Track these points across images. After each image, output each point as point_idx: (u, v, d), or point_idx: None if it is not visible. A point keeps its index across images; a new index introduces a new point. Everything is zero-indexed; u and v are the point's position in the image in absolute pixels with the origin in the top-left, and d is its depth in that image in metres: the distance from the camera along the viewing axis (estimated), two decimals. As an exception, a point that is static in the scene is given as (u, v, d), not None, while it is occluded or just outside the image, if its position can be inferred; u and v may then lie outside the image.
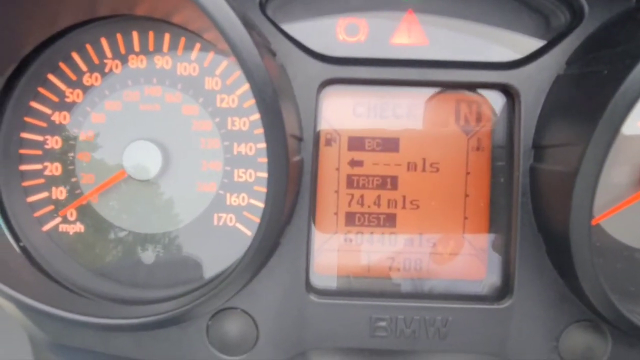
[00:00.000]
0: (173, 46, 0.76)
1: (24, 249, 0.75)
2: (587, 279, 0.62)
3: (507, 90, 0.75)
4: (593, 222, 0.75)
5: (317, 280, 0.78)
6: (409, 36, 0.75)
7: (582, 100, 0.61)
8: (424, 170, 0.79)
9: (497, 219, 0.77)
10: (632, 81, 0.52)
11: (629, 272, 0.75)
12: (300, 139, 0.71)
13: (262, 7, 0.72)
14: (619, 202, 0.75)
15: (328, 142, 0.79)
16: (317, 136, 0.75)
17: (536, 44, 0.73)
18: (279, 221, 0.62)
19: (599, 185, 0.70)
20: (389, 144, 0.79)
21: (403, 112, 0.79)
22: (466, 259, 0.79)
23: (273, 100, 0.54)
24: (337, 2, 0.74)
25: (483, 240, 0.79)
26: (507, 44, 0.73)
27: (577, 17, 0.71)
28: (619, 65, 0.54)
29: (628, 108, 0.53)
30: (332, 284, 0.78)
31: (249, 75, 0.53)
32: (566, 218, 0.59)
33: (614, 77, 0.54)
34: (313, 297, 0.74)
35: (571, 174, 0.58)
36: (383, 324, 0.73)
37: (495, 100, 0.78)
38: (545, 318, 0.72)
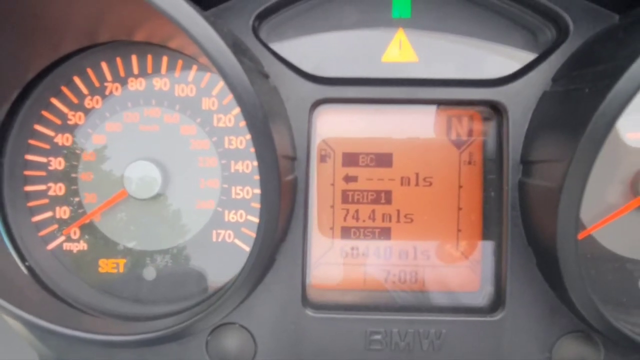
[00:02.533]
0: (171, 68, 0.79)
1: (29, 268, 0.78)
2: (576, 292, 0.63)
3: (495, 107, 0.76)
4: (584, 234, 0.76)
5: (313, 295, 0.79)
6: (399, 54, 0.77)
7: (566, 118, 0.62)
8: (417, 184, 0.80)
9: (489, 231, 0.78)
10: (612, 100, 0.53)
11: (621, 283, 0.76)
12: (293, 159, 0.73)
13: (255, 31, 0.74)
14: (610, 213, 0.76)
15: (323, 159, 0.80)
16: (311, 154, 0.77)
17: (523, 60, 0.74)
18: (274, 238, 0.64)
19: (589, 196, 0.72)
20: (383, 159, 0.80)
21: (396, 127, 0.81)
22: (460, 271, 0.81)
23: (264, 124, 0.56)
24: (328, 22, 0.76)
25: (477, 252, 0.80)
26: (494, 60, 0.75)
27: (562, 33, 0.73)
28: (600, 84, 0.56)
29: (608, 126, 0.54)
30: (328, 297, 0.80)
31: (240, 101, 0.55)
32: (553, 232, 0.60)
33: (594, 96, 0.55)
34: (309, 312, 0.75)
35: (556, 189, 0.59)
36: (378, 337, 0.75)
37: (486, 115, 0.79)
38: (538, 329, 0.73)
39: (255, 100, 0.55)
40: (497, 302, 0.76)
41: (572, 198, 0.58)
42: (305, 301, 0.77)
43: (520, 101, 0.73)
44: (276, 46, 0.75)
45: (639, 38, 0.56)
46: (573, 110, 0.60)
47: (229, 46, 0.54)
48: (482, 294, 0.79)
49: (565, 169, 0.57)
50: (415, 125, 0.80)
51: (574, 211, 0.59)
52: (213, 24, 0.55)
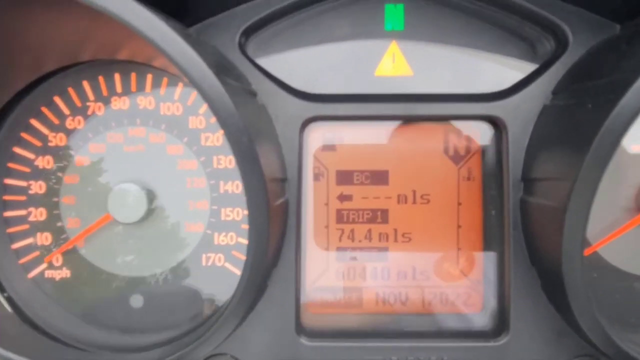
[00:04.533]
0: (156, 86, 0.76)
1: (9, 299, 0.74)
2: (583, 315, 0.60)
3: (493, 122, 0.73)
4: (590, 250, 0.73)
5: (307, 321, 0.76)
6: (393, 68, 0.74)
7: (568, 134, 0.59)
8: (414, 202, 0.78)
9: (491, 250, 0.75)
10: (617, 116, 0.50)
11: (629, 302, 0.73)
12: (283, 180, 0.70)
13: (242, 47, 0.72)
14: (615, 228, 0.73)
15: (316, 177, 0.77)
16: (302, 174, 0.74)
17: (522, 73, 0.72)
18: (264, 263, 0.61)
19: (594, 212, 0.68)
20: (378, 176, 0.78)
21: (391, 143, 0.78)
22: (461, 292, 0.77)
23: (249, 148, 0.53)
24: (318, 36, 0.74)
25: (478, 272, 0.77)
26: (492, 73, 0.73)
27: (561, 44, 0.70)
28: (603, 98, 0.53)
29: (615, 143, 0.51)
30: (323, 324, 0.77)
31: (224, 125, 0.52)
32: (558, 254, 0.58)
33: (598, 112, 0.52)
34: (304, 340, 0.72)
35: (560, 209, 0.56)
36: (376, 365, 0.71)
37: (484, 129, 0.76)
38: (544, 354, 0.70)
39: (239, 123, 0.52)
40: (501, 325, 0.73)
41: (578, 218, 0.55)
42: (299, 329, 0.73)
43: (520, 116, 0.70)
44: (264, 62, 0.72)
45: (644, 50, 0.53)
46: (575, 126, 0.58)
47: (210, 67, 0.51)
48: (485, 316, 0.76)
49: (570, 188, 0.54)
50: (411, 141, 0.78)
51: (580, 232, 0.56)
52: (194, 43, 0.52)
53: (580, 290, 0.59)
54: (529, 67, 0.72)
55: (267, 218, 0.55)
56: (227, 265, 0.76)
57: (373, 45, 0.75)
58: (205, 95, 0.51)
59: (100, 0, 0.49)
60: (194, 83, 0.51)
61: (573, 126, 0.58)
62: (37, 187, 0.77)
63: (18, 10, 0.56)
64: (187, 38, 0.51)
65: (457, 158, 0.77)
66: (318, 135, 0.77)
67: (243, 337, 0.71)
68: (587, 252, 0.73)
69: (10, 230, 0.77)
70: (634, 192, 0.74)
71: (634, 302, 0.73)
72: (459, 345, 0.71)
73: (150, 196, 0.75)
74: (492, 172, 0.75)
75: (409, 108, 0.72)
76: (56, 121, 0.77)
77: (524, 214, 0.69)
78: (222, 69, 0.56)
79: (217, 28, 0.71)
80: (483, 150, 0.76)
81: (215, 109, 0.51)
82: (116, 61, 0.75)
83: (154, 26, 0.49)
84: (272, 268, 0.70)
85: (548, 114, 0.67)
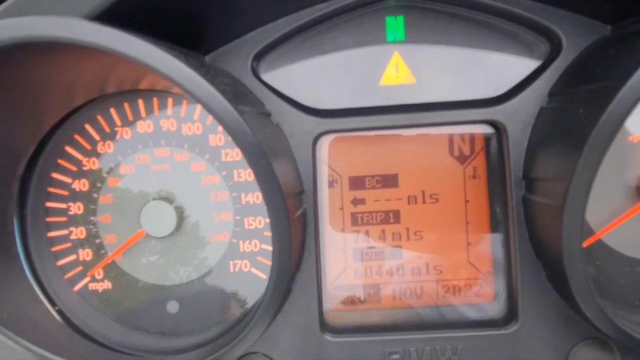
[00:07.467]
0: (176, 109, 0.82)
1: (59, 312, 0.81)
2: (587, 304, 0.64)
3: (494, 124, 0.77)
4: (593, 239, 0.77)
5: (331, 319, 0.82)
6: (396, 77, 0.79)
7: (563, 137, 0.63)
8: (424, 202, 0.82)
9: (498, 244, 0.80)
10: (606, 122, 0.54)
11: (633, 286, 0.77)
12: (301, 192, 0.75)
13: (254, 71, 0.76)
14: (617, 216, 0.76)
15: (331, 184, 0.83)
16: (317, 184, 0.79)
17: (519, 76, 0.75)
18: (288, 270, 0.67)
19: (597, 200, 0.72)
20: (388, 180, 0.82)
21: (399, 148, 0.82)
22: (473, 283, 0.82)
23: (269, 170, 0.58)
24: (324, 53, 0.78)
25: (488, 265, 0.82)
26: (490, 77, 0.76)
27: (556, 47, 0.73)
28: (593, 104, 0.57)
29: (605, 147, 0.55)
30: (345, 320, 0.82)
31: (244, 151, 0.57)
32: (559, 249, 0.62)
33: (589, 117, 0.56)
34: (328, 337, 0.78)
35: (558, 208, 0.60)
36: (396, 357, 0.77)
37: (486, 128, 0.80)
38: (553, 339, 0.75)
39: (258, 148, 0.57)
40: (511, 314, 0.78)
41: (575, 216, 0.59)
42: (324, 326, 0.79)
43: (519, 118, 0.74)
44: (275, 83, 0.77)
45: (630, 56, 0.57)
46: (569, 130, 0.61)
47: (227, 97, 0.56)
48: (495, 306, 0.81)
49: (566, 189, 0.58)
50: (418, 145, 0.82)
51: (578, 228, 0.60)
52: (211, 77, 0.57)
53: (582, 281, 0.63)
54: (526, 70, 0.75)
55: (288, 231, 0.61)
56: (253, 270, 0.82)
57: (377, 56, 0.79)
58: (225, 125, 0.56)
59: (122, 47, 0.54)
60: (214, 115, 0.56)
61: (567, 130, 0.62)
62: (76, 208, 0.84)
63: (43, 58, 0.61)
64: (205, 74, 0.56)
65: (462, 158, 0.81)
66: (330, 145, 0.82)
67: (272, 336, 0.77)
68: (590, 240, 0.77)
69: (55, 248, 0.84)
70: (635, 180, 0.77)
71: (638, 286, 0.76)
72: (472, 335, 0.76)
73: (179, 211, 0.81)
74: (496, 170, 0.79)
75: (413, 117, 0.76)
76: (88, 147, 0.83)
77: (526, 210, 0.73)
78: (238, 96, 0.61)
79: (230, 55, 0.76)
80: (486, 149, 0.80)
81: (235, 136, 0.56)
82: (138, 90, 0.81)
83: (175, 67, 0.54)
84: (295, 273, 0.76)
85: (545, 116, 0.71)
